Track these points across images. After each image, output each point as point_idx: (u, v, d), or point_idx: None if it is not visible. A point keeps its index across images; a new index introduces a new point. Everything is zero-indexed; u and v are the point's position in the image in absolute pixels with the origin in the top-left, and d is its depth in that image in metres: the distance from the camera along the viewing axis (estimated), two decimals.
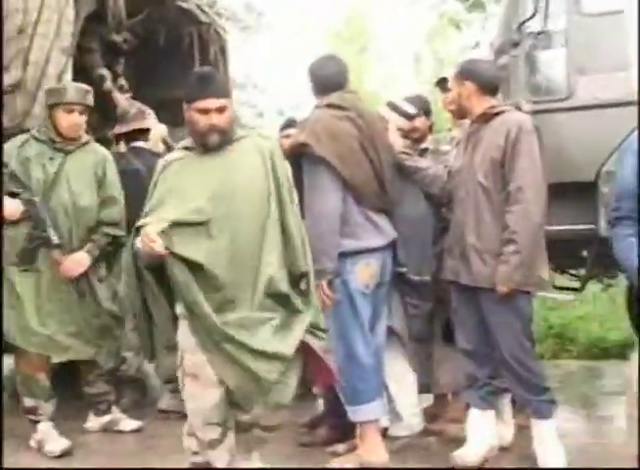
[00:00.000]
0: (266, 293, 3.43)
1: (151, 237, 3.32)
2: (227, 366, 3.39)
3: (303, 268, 3.56)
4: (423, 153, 5.00)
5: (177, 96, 7.14)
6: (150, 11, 6.65)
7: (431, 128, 5.21)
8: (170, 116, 6.14)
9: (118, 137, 6.08)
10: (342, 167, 4.21)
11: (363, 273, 4.28)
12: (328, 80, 4.47)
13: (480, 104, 4.35)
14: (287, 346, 3.42)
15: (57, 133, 4.93)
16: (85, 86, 5.06)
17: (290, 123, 5.65)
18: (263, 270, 3.43)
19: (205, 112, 3.49)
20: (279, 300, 3.47)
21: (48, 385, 4.91)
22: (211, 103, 3.48)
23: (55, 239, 4.75)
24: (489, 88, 4.38)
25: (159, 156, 5.65)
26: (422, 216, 4.76)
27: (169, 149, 5.55)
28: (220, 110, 3.50)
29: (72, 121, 4.92)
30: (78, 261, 4.83)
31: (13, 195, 4.79)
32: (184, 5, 6.95)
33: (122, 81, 6.85)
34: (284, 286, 3.48)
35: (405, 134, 4.86)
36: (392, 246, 4.43)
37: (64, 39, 5.80)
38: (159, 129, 6.03)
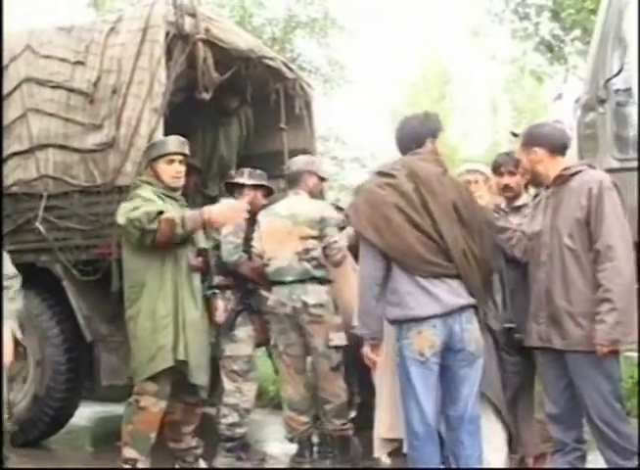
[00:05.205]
0: None
1: None
2: None
3: None
4: (519, 210, 4.97)
5: (265, 150, 7.36)
6: (237, 68, 6.76)
7: (527, 186, 5.18)
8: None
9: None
10: (377, 239, 4.17)
11: (415, 341, 4.16)
12: (400, 142, 4.46)
13: (554, 167, 4.35)
14: None
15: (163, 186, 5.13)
16: (181, 138, 5.26)
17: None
18: None
19: None
20: None
21: (153, 443, 5.01)
22: None
23: None
24: (559, 149, 4.39)
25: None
26: (524, 273, 4.57)
27: None
28: None
29: (174, 171, 5.13)
30: None
31: None
32: (271, 63, 7.06)
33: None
34: None
35: (499, 192, 4.85)
36: (459, 312, 4.20)
37: (155, 99, 5.94)
38: None
